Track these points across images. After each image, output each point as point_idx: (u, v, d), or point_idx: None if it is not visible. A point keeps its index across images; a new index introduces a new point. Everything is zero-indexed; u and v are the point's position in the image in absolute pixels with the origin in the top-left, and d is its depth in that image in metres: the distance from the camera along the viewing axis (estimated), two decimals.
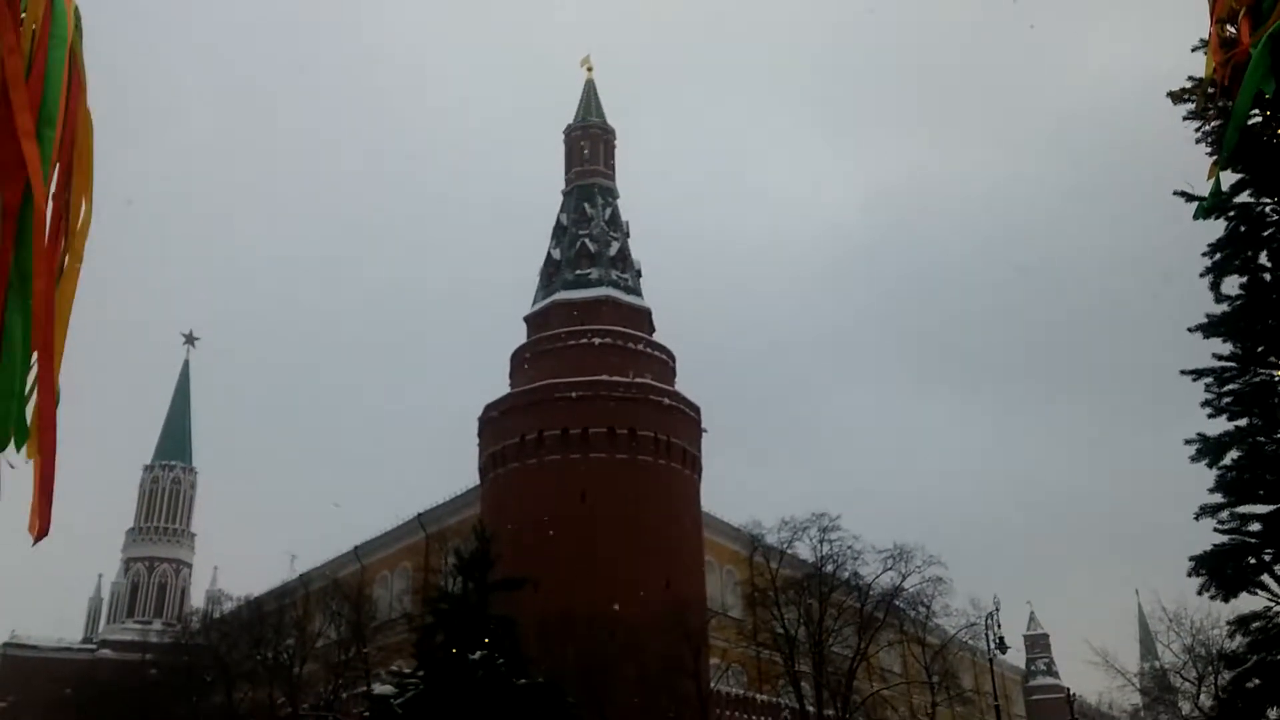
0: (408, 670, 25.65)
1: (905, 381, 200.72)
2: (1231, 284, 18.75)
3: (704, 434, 50.26)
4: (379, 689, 24.39)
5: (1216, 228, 18.64)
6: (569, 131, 56.27)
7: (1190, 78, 18.06)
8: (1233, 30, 4.09)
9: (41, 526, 2.53)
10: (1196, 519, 18.53)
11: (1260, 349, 18.31)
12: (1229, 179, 17.89)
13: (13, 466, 2.50)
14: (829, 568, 43.06)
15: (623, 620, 35.28)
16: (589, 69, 57.95)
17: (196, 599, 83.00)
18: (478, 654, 21.97)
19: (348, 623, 46.28)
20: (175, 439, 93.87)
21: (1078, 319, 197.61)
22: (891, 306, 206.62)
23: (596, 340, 48.14)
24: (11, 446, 2.47)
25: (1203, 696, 45.03)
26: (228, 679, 48.00)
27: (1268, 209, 18.31)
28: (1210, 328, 18.68)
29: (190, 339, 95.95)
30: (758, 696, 48.52)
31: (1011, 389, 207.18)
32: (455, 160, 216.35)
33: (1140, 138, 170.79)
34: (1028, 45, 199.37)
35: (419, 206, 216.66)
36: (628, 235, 53.55)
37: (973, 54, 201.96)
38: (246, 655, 48.38)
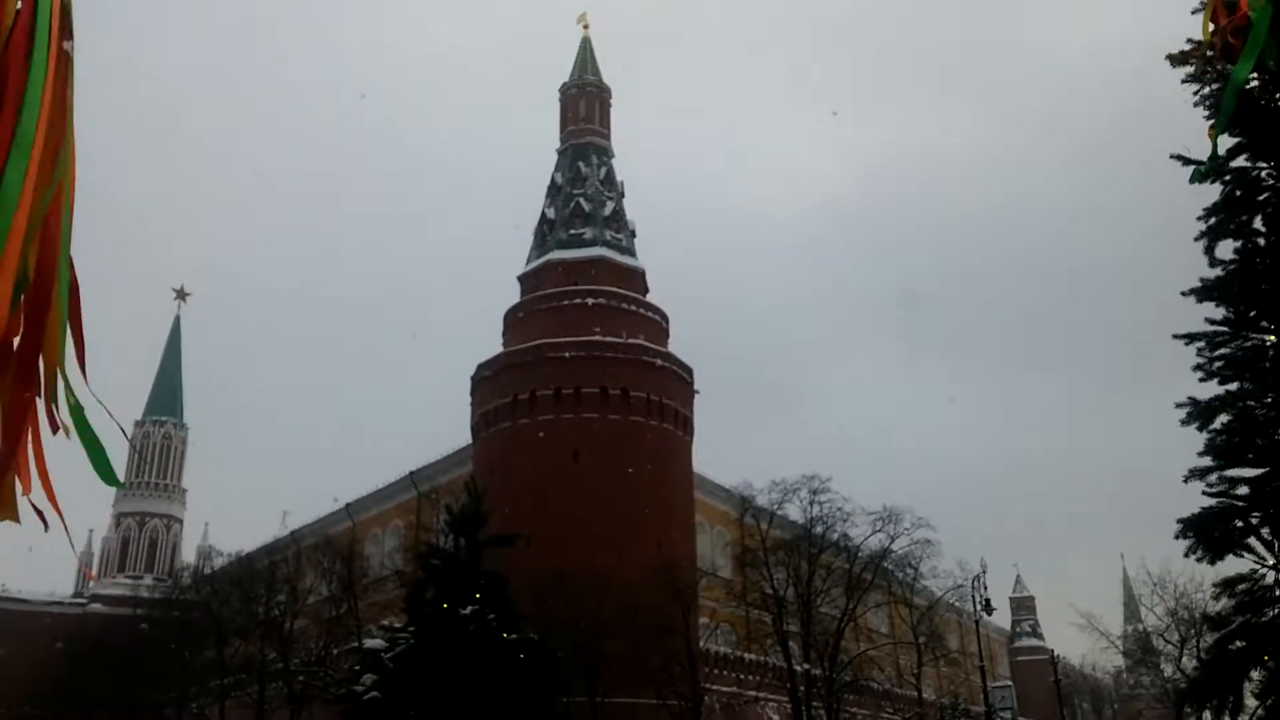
0: (399, 625, 25.76)
1: (895, 347, 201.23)
2: (1226, 248, 18.72)
3: (696, 395, 50.31)
4: (370, 643, 24.50)
5: (1208, 192, 18.59)
6: (564, 89, 55.72)
7: (1190, 40, 17.93)
8: None
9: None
10: (1185, 482, 18.60)
11: (1253, 313, 18.30)
12: (1226, 143, 17.81)
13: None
14: (818, 529, 43.24)
15: (613, 579, 35.40)
16: (585, 26, 57.33)
17: (188, 554, 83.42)
18: (469, 609, 22.04)
19: (339, 579, 46.38)
20: (166, 395, 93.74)
21: (1067, 286, 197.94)
22: (882, 273, 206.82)
23: (590, 300, 47.96)
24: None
25: (1185, 659, 45.68)
26: (219, 634, 48.14)
27: (1264, 173, 18.24)
28: (1203, 292, 18.65)
29: (182, 294, 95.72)
30: (746, 655, 48.95)
31: (1000, 355, 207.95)
32: (453, 118, 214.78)
33: (1131, 107, 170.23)
34: (1021, 16, 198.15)
35: (416, 165, 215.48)
36: (622, 195, 53.20)
37: (966, 25, 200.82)
38: (238, 611, 48.49)
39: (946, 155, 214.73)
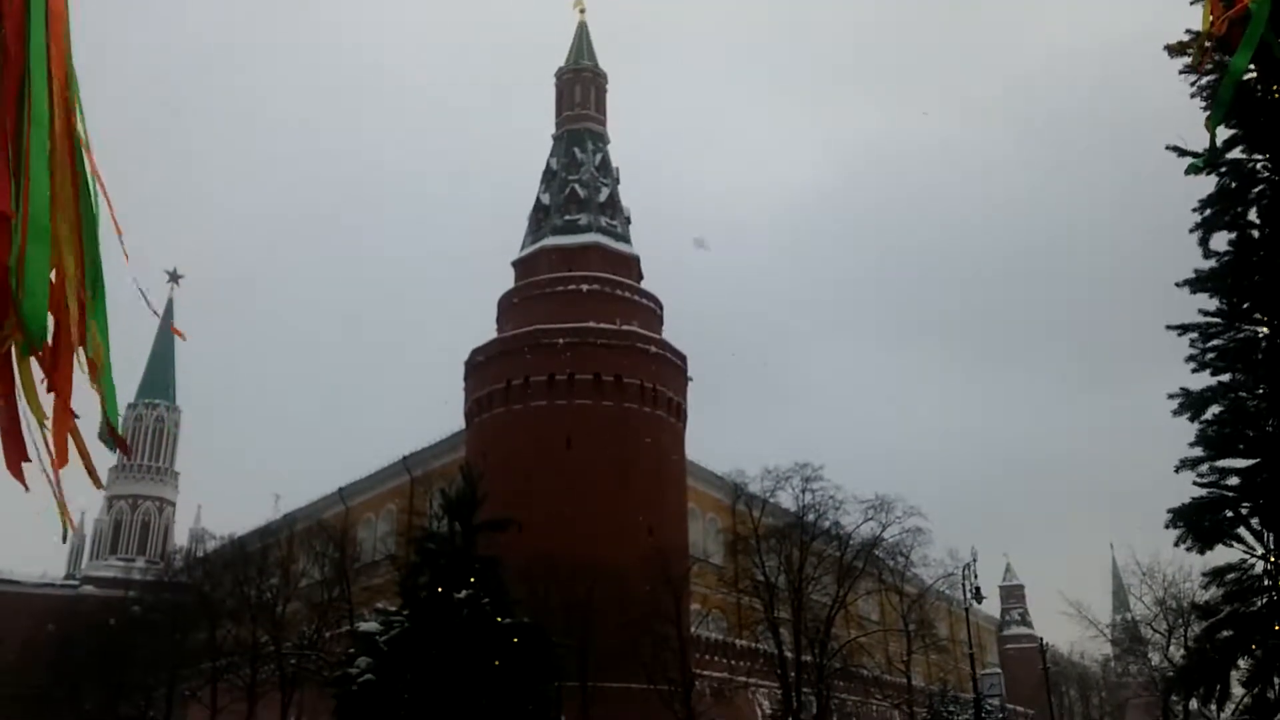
0: (392, 608, 25.79)
1: (886, 338, 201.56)
2: (1220, 240, 18.75)
3: (689, 382, 50.33)
4: (364, 626, 24.53)
5: (1203, 184, 18.62)
6: (560, 74, 55.54)
7: (1188, 30, 17.92)
8: None
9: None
10: (1176, 471, 18.66)
11: (1246, 305, 18.36)
12: (1221, 134, 17.83)
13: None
14: (810, 517, 43.36)
15: (606, 565, 35.53)
16: (581, 10, 57.13)
17: (180, 537, 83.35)
18: (463, 593, 22.05)
19: (332, 563, 46.46)
20: (159, 377, 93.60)
21: (1056, 276, 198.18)
22: (868, 265, 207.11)
23: (584, 287, 47.91)
24: None
25: (1172, 647, 46.04)
26: (211, 617, 48.20)
27: (1259, 165, 18.27)
28: (1197, 283, 18.68)
29: (174, 276, 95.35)
30: (737, 642, 49.21)
31: (990, 346, 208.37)
32: (447, 103, 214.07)
33: (1118, 99, 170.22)
34: (1004, 12, 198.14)
35: (409, 150, 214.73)
36: (617, 181, 53.09)
37: (947, 22, 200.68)
38: (230, 594, 48.53)
39: (933, 149, 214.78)
